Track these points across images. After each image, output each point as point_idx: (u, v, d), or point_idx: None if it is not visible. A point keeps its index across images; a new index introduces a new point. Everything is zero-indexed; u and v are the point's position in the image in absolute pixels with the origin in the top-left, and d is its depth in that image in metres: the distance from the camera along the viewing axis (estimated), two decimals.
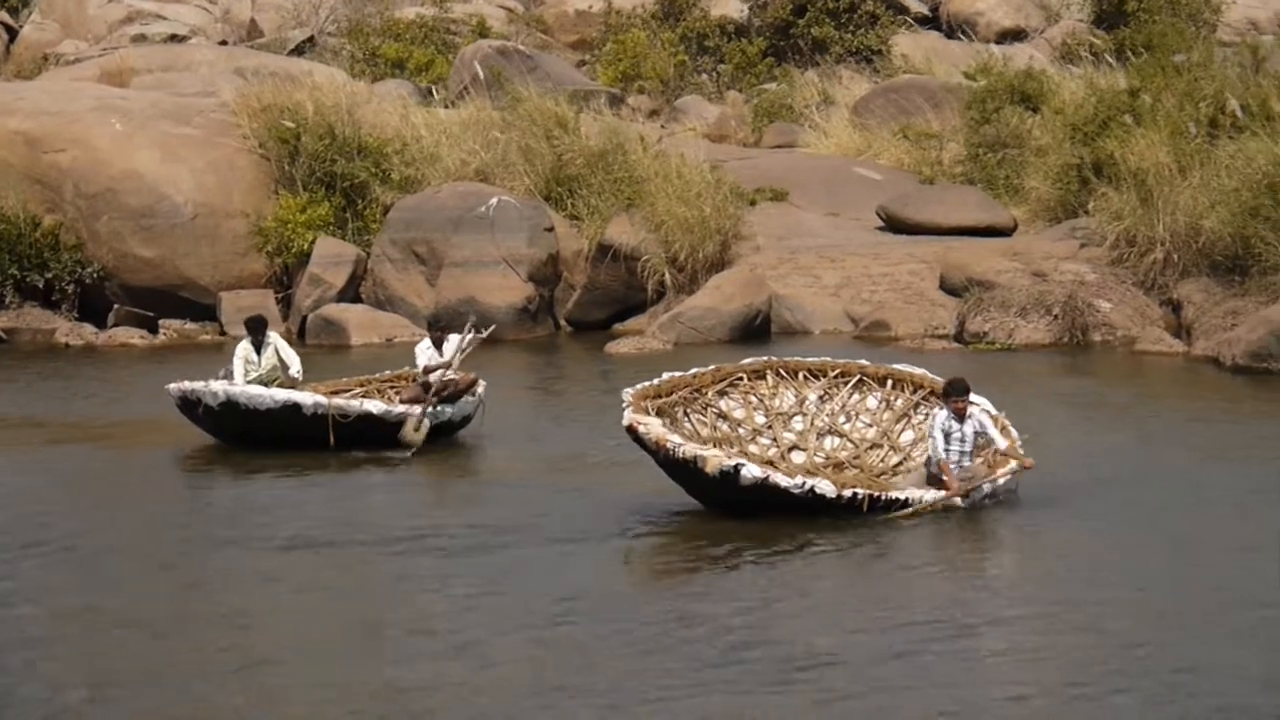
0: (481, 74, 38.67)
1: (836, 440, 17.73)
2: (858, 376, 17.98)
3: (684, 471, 15.73)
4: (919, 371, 18.09)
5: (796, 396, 17.84)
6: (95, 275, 32.19)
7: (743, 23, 49.24)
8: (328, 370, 21.91)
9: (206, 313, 32.47)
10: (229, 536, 16.15)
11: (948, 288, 30.04)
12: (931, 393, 17.65)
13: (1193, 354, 26.37)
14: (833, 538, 15.12)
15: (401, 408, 20.36)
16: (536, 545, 15.48)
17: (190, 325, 32.38)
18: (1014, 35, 49.27)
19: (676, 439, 15.77)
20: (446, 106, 37.76)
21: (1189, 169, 29.11)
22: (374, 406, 20.24)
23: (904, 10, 49.08)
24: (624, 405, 16.08)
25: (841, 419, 17.82)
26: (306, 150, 33.06)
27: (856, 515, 15.46)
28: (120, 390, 26.16)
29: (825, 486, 15.50)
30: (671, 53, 47.16)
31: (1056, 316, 28.13)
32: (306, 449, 19.75)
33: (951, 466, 15.95)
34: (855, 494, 15.53)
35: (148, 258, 32.39)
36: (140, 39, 48.58)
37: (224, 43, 49.49)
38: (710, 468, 15.41)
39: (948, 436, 16.04)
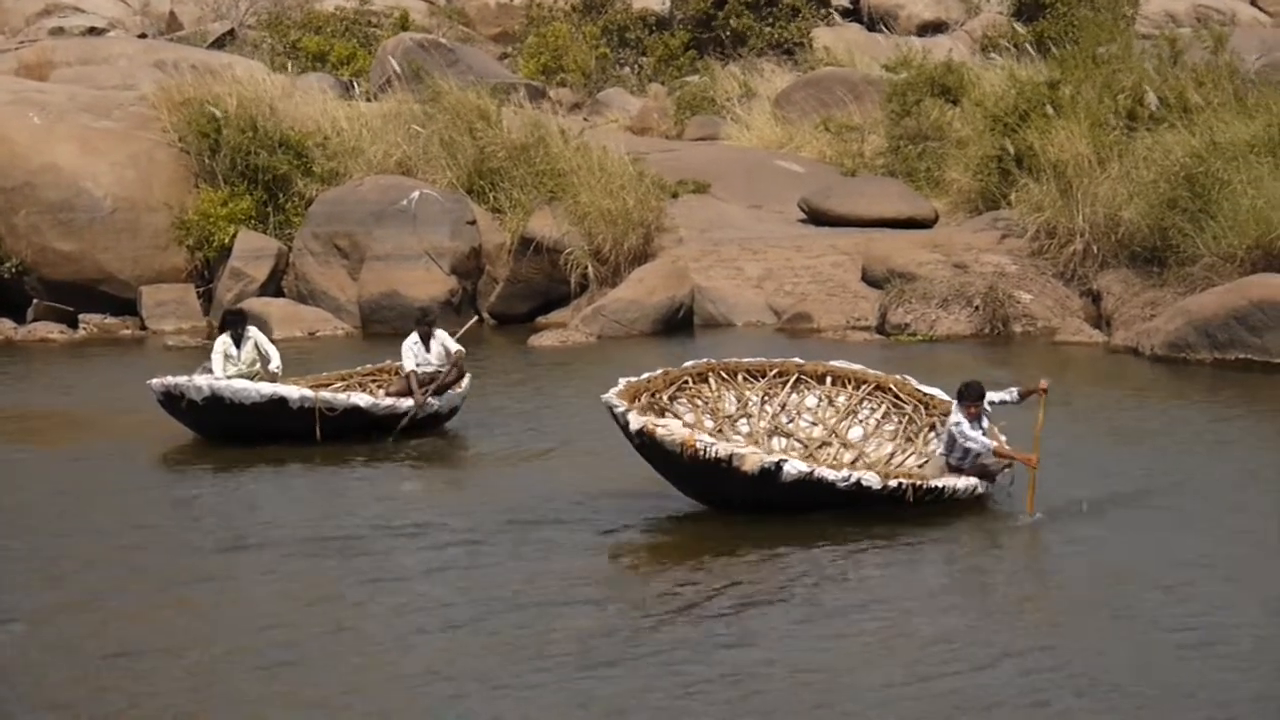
0: (396, 68, 38.54)
1: (784, 440, 17.38)
2: (796, 375, 17.62)
3: (708, 472, 15.07)
4: (856, 367, 17.80)
5: (738, 399, 17.47)
6: (14, 270, 31.92)
7: (664, 15, 49.36)
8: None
9: (127, 307, 32.24)
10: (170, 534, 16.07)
11: (869, 279, 30.13)
12: (877, 387, 17.45)
13: (1112, 344, 26.54)
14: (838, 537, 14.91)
15: (389, 401, 20.17)
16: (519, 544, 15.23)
17: (110, 320, 32.14)
18: (934, 28, 49.66)
19: (707, 438, 15.19)
20: (368, 100, 37.65)
21: (1108, 161, 29.29)
22: (361, 400, 20.03)
23: (825, 3, 49.31)
24: (619, 410, 15.44)
25: (785, 419, 17.50)
26: (228, 143, 32.88)
27: (899, 508, 15.13)
28: (40, 384, 26.00)
29: (871, 478, 15.10)
30: (593, 45, 47.25)
31: (977, 308, 28.27)
32: (291, 443, 19.48)
33: (967, 467, 15.69)
34: (900, 484, 15.17)
35: (67, 252, 32.13)
36: (58, 32, 48.25)
37: (143, 35, 49.22)
38: (749, 466, 14.87)
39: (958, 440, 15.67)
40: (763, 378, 17.54)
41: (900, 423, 17.29)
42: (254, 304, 31.16)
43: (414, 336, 20.64)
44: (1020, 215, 30.20)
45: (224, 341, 20.79)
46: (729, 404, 17.53)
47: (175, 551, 15.20)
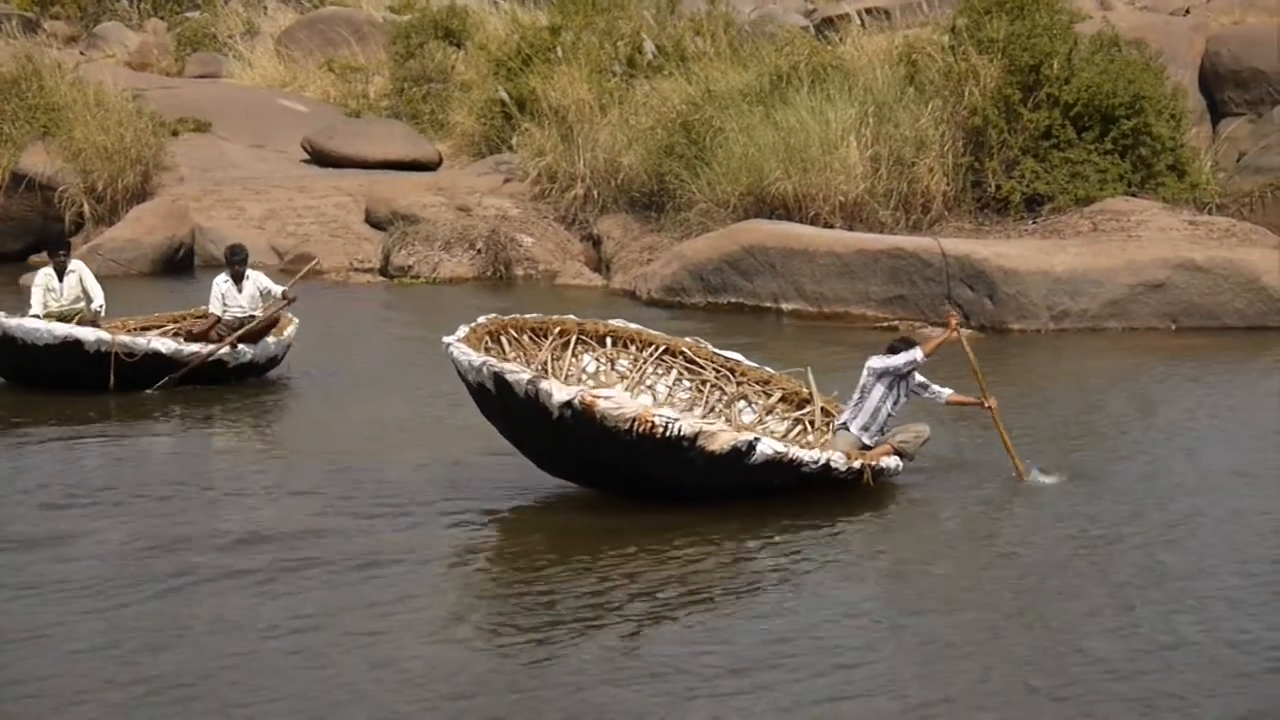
0: None
1: None
2: (575, 335, 15.39)
3: (650, 453, 12.60)
4: (635, 328, 15.86)
5: (528, 365, 14.61)
6: None
7: None
8: None
9: None
10: None
11: (373, 221, 30.14)
12: (667, 350, 15.68)
13: (612, 287, 27.05)
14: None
15: (193, 346, 18.43)
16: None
17: None
18: None
19: (667, 412, 12.75)
20: None
21: (609, 107, 29.86)
22: (163, 345, 18.27)
23: None
24: (519, 377, 12.46)
25: None
26: None
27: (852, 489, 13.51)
28: None
29: (838, 459, 13.43)
30: None
31: (480, 251, 28.51)
32: (89, 389, 17.87)
33: (891, 422, 14.23)
34: (861, 466, 13.59)
35: None
36: None
37: None
38: (717, 445, 12.69)
39: (892, 390, 14.13)
40: (547, 337, 15.20)
41: (701, 391, 15.64)
42: None
43: (223, 276, 19.01)
44: (523, 159, 30.56)
45: (46, 274, 19.16)
46: None
47: None
